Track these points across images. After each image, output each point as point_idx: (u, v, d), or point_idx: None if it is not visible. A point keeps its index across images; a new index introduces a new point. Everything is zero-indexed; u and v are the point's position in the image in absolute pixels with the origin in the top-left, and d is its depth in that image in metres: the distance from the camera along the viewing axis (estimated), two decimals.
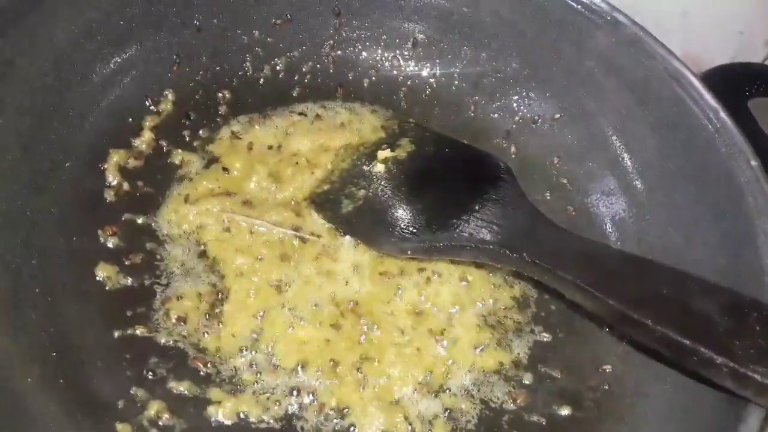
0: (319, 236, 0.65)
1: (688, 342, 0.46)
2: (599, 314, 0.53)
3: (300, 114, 0.73)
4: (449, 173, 0.69)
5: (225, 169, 0.67)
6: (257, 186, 0.67)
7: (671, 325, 0.48)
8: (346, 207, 0.66)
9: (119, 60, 0.66)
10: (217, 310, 0.59)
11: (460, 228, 0.61)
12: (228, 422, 0.54)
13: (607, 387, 0.59)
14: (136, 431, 0.51)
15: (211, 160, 0.68)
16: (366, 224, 0.65)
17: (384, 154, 0.69)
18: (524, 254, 0.56)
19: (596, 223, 0.69)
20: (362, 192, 0.67)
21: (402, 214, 0.64)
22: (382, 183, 0.67)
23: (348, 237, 0.65)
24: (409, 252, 0.62)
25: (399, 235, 0.62)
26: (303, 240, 0.64)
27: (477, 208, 0.62)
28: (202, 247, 0.62)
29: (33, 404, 0.48)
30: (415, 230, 0.62)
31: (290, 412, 0.55)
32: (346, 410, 0.56)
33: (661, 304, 0.50)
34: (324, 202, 0.67)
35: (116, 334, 0.56)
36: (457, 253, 0.61)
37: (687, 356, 0.47)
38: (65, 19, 0.61)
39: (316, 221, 0.66)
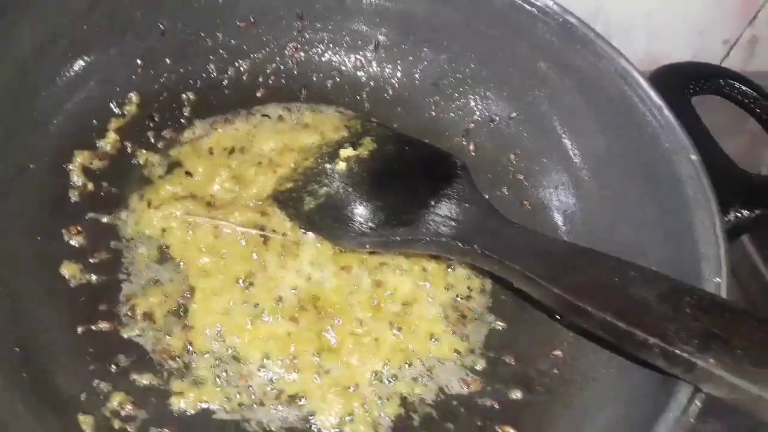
0: (283, 234, 0.67)
1: (623, 325, 0.49)
2: (545, 302, 0.55)
3: (263, 116, 0.75)
4: (409, 171, 0.71)
5: (188, 173, 0.69)
6: (221, 188, 0.68)
7: (610, 310, 0.50)
8: (308, 204, 0.68)
9: (84, 64, 0.67)
10: (182, 308, 0.61)
11: (417, 223, 0.63)
12: (190, 411, 0.55)
13: (557, 371, 0.62)
14: (98, 422, 0.53)
15: (174, 164, 0.69)
16: (327, 220, 0.67)
17: (346, 152, 0.71)
18: (475, 246, 0.59)
19: (549, 217, 0.72)
20: (324, 189, 0.68)
21: (362, 210, 0.66)
22: (344, 181, 0.69)
23: (311, 234, 0.67)
24: (367, 246, 0.65)
25: (358, 230, 0.65)
26: (266, 238, 0.66)
27: (434, 203, 0.65)
28: (167, 248, 0.64)
29: None
30: (374, 225, 0.65)
31: (251, 401, 0.57)
32: (305, 398, 0.58)
33: (602, 292, 0.52)
34: (287, 200, 0.69)
35: (80, 329, 0.57)
36: (413, 246, 0.63)
37: (624, 339, 0.50)
38: (30, 25, 0.62)
39: (280, 219, 0.67)
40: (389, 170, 0.71)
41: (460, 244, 0.60)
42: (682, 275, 0.55)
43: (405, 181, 0.69)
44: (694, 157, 0.62)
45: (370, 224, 0.65)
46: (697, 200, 0.60)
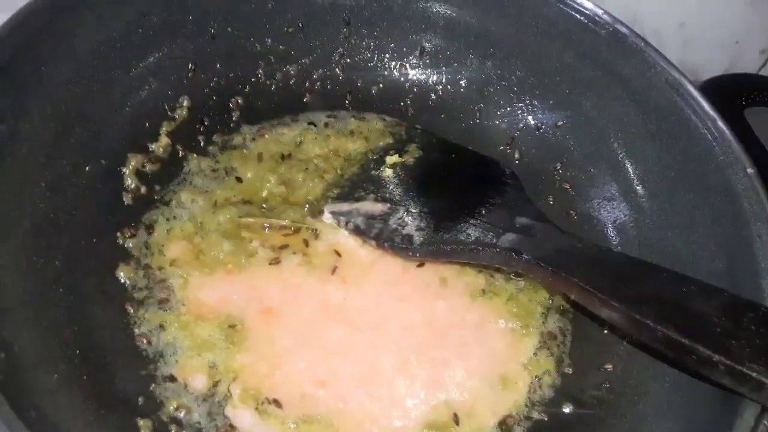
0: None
1: (687, 341, 0.48)
2: (602, 315, 0.54)
3: (309, 123, 0.75)
4: (455, 178, 0.71)
5: (238, 179, 0.69)
6: (269, 193, 0.69)
7: (671, 325, 0.49)
8: (355, 213, 0.68)
9: (138, 68, 0.67)
10: None
11: (466, 231, 0.63)
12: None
13: (608, 385, 0.61)
14: (156, 427, 0.53)
15: (224, 169, 0.70)
16: (375, 227, 0.66)
17: (392, 159, 0.71)
18: (528, 256, 0.58)
19: (598, 228, 0.71)
20: (371, 196, 0.69)
21: (410, 218, 0.66)
22: (390, 187, 0.69)
23: None
24: (417, 255, 0.64)
25: (407, 239, 0.64)
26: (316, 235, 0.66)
27: (483, 212, 0.64)
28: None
29: (59, 400, 0.49)
30: (422, 234, 0.64)
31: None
32: None
33: (661, 305, 0.52)
34: (335, 206, 0.69)
35: (137, 331, 0.58)
36: (462, 256, 0.63)
37: (686, 355, 0.49)
38: (87, 29, 0.62)
39: (327, 225, 0.67)
40: (436, 177, 0.71)
41: (512, 254, 0.60)
42: (738, 290, 0.55)
43: (452, 189, 0.69)
44: (750, 170, 0.61)
45: (418, 232, 0.65)
46: (755, 214, 0.59)
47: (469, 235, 0.63)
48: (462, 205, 0.66)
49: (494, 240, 0.61)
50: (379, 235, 0.66)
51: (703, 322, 0.50)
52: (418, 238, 0.64)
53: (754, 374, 0.45)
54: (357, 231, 0.67)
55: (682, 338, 0.49)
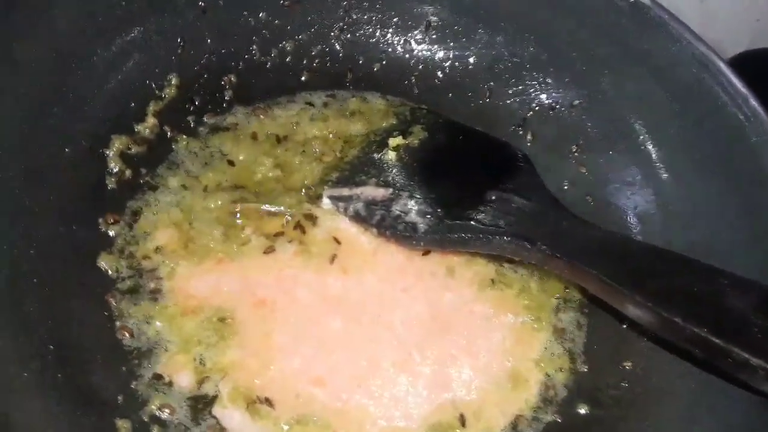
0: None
1: (720, 342, 0.44)
2: (624, 311, 0.50)
3: (307, 103, 0.71)
4: (463, 162, 0.66)
5: (230, 162, 0.65)
6: (263, 177, 0.65)
7: (702, 323, 0.45)
8: (356, 199, 0.63)
9: (121, 43, 0.63)
10: None
11: (474, 219, 0.59)
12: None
13: (627, 385, 0.57)
14: (136, 427, 0.50)
15: (215, 152, 0.66)
16: (376, 214, 0.62)
17: (396, 141, 0.67)
18: (543, 246, 0.54)
19: (617, 215, 0.67)
20: (372, 181, 0.64)
21: (413, 204, 0.61)
22: (394, 171, 0.65)
23: None
24: (421, 243, 0.60)
25: (411, 226, 0.60)
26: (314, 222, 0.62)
27: (492, 198, 0.60)
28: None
29: (30, 400, 0.46)
30: (427, 221, 0.60)
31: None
32: None
33: (691, 301, 0.47)
34: (334, 192, 0.64)
35: (119, 325, 0.54)
36: (471, 245, 0.59)
37: (720, 357, 0.44)
38: (64, 1, 0.58)
39: (325, 211, 0.63)
40: (442, 161, 0.66)
41: (525, 243, 0.55)
42: None
43: (459, 173, 0.65)
44: None
45: (422, 220, 0.60)
46: None
47: (477, 222, 0.58)
48: (470, 190, 0.61)
49: (505, 228, 0.57)
50: (381, 222, 0.62)
51: (738, 321, 0.45)
52: (422, 225, 0.60)
53: None
54: (357, 217, 0.63)
55: (715, 339, 0.44)
